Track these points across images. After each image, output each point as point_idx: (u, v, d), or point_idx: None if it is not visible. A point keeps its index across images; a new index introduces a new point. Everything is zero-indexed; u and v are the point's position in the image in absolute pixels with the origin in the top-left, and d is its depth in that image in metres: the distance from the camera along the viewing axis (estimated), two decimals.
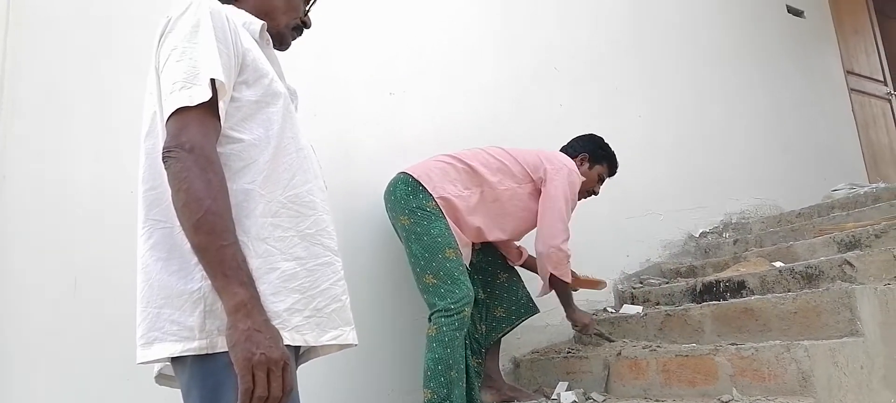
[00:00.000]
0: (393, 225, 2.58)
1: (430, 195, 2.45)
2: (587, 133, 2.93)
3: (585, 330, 2.77)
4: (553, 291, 2.73)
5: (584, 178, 2.75)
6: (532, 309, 2.74)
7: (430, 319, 2.36)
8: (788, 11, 5.41)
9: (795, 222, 3.81)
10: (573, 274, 2.67)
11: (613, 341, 2.75)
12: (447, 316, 2.31)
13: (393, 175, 2.60)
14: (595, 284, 2.86)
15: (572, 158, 2.76)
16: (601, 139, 2.91)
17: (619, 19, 4.13)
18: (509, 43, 3.54)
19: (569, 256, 2.58)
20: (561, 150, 2.85)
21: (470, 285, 2.39)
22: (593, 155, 2.83)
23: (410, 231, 2.44)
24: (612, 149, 2.91)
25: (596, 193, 2.90)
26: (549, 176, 2.60)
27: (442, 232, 2.41)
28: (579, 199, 2.79)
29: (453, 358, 2.28)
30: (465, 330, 2.36)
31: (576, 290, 2.77)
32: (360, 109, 2.89)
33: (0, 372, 1.94)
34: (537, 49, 3.64)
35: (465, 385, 2.35)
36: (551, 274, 2.58)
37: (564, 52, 3.76)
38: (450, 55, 3.27)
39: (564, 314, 2.79)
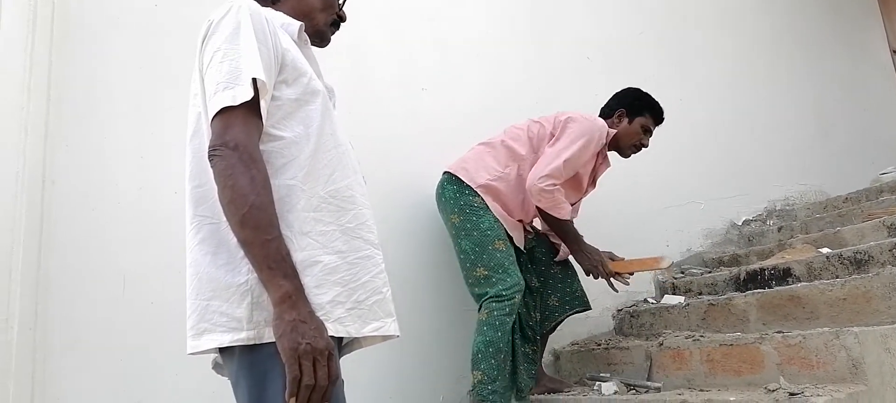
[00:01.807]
0: (444, 223, 2.62)
1: (474, 190, 2.49)
2: (623, 89, 2.83)
3: (595, 271, 2.59)
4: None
5: (614, 131, 2.68)
6: (584, 304, 2.70)
7: (480, 306, 2.39)
8: None
9: (842, 207, 3.71)
10: (625, 260, 2.59)
11: (628, 283, 2.60)
12: (498, 301, 2.34)
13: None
14: (653, 263, 2.62)
15: (609, 117, 2.72)
16: (637, 89, 2.80)
17: (654, 8, 4.07)
18: (540, 33, 3.52)
19: (554, 194, 2.48)
20: (601, 111, 2.80)
21: (520, 274, 2.42)
22: (631, 107, 2.73)
23: (460, 228, 2.49)
24: (651, 96, 2.78)
25: (645, 145, 2.77)
26: (559, 127, 2.58)
27: (491, 225, 2.46)
28: (628, 155, 2.76)
29: (503, 342, 2.31)
30: (514, 316, 2.38)
31: (631, 275, 2.60)
32: (395, 105, 2.91)
33: (52, 372, 2.01)
34: (569, 38, 3.61)
35: (509, 369, 2.37)
36: (549, 215, 2.54)
37: (598, 41, 3.72)
38: (480, 48, 3.27)
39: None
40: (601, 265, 2.57)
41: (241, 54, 1.11)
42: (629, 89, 2.82)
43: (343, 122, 1.32)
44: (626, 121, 2.72)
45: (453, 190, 2.54)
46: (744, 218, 3.98)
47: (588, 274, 2.60)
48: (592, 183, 2.79)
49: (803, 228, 3.51)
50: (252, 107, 1.09)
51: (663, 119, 2.78)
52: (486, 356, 2.30)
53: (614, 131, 2.69)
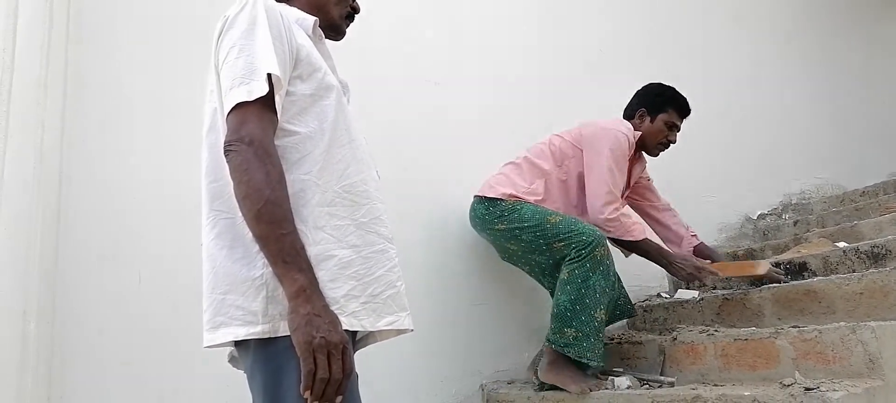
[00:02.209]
0: (492, 244, 2.61)
1: (504, 200, 2.50)
2: (643, 86, 2.77)
3: (693, 278, 2.50)
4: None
5: (639, 133, 2.62)
6: (632, 312, 2.66)
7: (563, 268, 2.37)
8: None
9: (859, 201, 3.67)
10: (723, 263, 2.49)
11: (721, 275, 2.47)
12: (575, 262, 2.30)
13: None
14: (751, 268, 2.47)
15: (631, 118, 2.67)
16: (658, 85, 2.72)
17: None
18: (553, 26, 3.50)
19: (620, 219, 2.47)
20: (624, 112, 2.75)
21: (592, 228, 2.37)
22: (651, 105, 2.67)
23: (507, 230, 2.48)
24: (673, 89, 2.70)
25: (672, 141, 2.71)
26: (585, 143, 2.55)
27: (534, 210, 2.45)
28: (656, 154, 2.71)
29: (591, 299, 2.28)
30: (601, 272, 2.31)
31: (728, 278, 2.52)
32: (407, 100, 2.91)
33: (70, 366, 2.04)
34: (583, 31, 3.59)
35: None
36: (624, 241, 2.51)
37: (612, 33, 3.70)
38: (492, 41, 3.26)
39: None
40: (696, 270, 2.50)
41: (257, 50, 1.12)
42: (649, 86, 2.74)
43: (356, 117, 1.32)
44: (648, 119, 2.67)
45: (484, 208, 2.55)
46: (759, 212, 3.95)
47: (689, 284, 2.58)
48: (628, 186, 2.75)
49: (819, 222, 3.47)
50: (267, 102, 1.10)
51: (689, 110, 2.70)
52: (574, 313, 2.28)
53: (639, 133, 2.63)
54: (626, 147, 2.52)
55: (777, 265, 2.77)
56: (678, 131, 2.70)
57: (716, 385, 2.14)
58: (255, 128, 1.07)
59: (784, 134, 4.24)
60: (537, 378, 2.44)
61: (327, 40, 1.37)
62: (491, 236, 2.60)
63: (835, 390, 1.75)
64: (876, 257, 2.45)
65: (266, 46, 1.12)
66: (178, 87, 2.32)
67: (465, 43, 3.17)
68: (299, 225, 1.08)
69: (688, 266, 2.50)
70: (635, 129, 2.64)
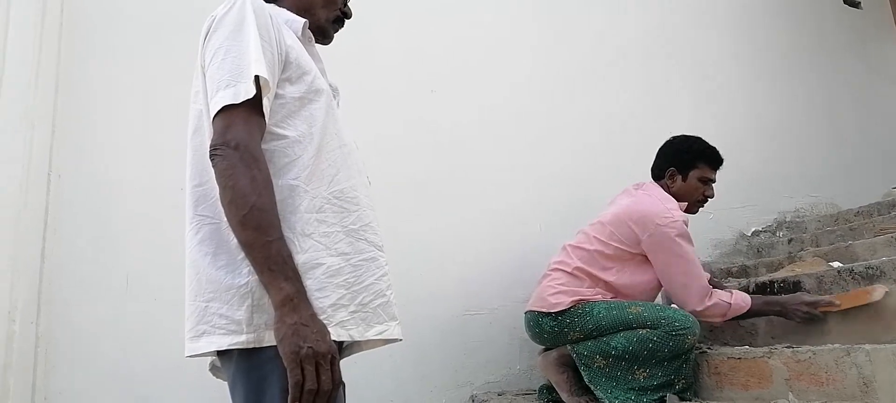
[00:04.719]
0: (570, 352, 2.31)
1: (572, 308, 2.28)
2: (667, 140, 2.59)
3: (813, 314, 2.24)
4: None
5: (681, 201, 2.44)
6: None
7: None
8: (845, 3, 5.20)
9: (854, 221, 3.66)
10: (838, 294, 2.27)
11: (839, 304, 2.20)
12: (656, 333, 2.14)
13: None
14: (866, 295, 2.18)
15: (661, 179, 2.52)
16: (683, 139, 2.56)
17: (667, 11, 4.03)
18: (552, 33, 3.49)
19: (718, 302, 2.27)
20: (652, 173, 2.57)
21: (684, 313, 2.20)
22: (680, 163, 2.50)
23: (589, 343, 2.24)
24: (700, 140, 2.53)
25: (710, 196, 2.54)
26: (649, 247, 2.31)
27: (609, 305, 2.24)
28: (696, 211, 2.54)
29: (644, 359, 2.14)
30: (680, 360, 2.16)
31: (843, 307, 2.22)
32: (402, 107, 2.89)
33: (54, 366, 2.00)
34: (581, 39, 3.58)
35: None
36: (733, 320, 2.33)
37: (611, 43, 3.69)
38: (491, 49, 3.25)
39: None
40: (812, 307, 2.24)
41: (244, 51, 1.09)
42: (675, 142, 2.57)
43: (349, 122, 1.30)
44: (680, 179, 2.50)
45: (551, 325, 2.31)
46: (753, 229, 3.94)
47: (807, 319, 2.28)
48: None
49: (814, 241, 3.46)
50: (254, 105, 1.07)
51: (721, 160, 2.53)
52: (619, 358, 2.16)
53: (682, 202, 2.45)
54: (687, 230, 2.33)
55: (771, 282, 2.76)
56: (714, 183, 2.53)
57: None
58: (242, 131, 1.04)
59: (779, 151, 4.24)
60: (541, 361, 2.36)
61: (318, 45, 1.34)
62: (569, 347, 2.33)
63: None
64: (870, 278, 2.43)
65: (254, 48, 1.09)
66: (171, 85, 2.28)
67: (462, 51, 3.15)
68: (286, 232, 1.05)
69: (801, 308, 2.25)
70: (668, 190, 2.49)
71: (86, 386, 2.04)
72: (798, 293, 2.36)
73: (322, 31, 1.35)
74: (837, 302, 2.18)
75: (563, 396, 2.32)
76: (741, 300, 2.29)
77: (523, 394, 2.71)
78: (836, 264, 2.79)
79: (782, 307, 2.29)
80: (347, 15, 1.38)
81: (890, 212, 3.50)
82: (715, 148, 2.53)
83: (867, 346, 1.88)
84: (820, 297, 2.23)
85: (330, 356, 0.98)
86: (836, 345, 1.96)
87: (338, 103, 1.30)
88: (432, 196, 2.84)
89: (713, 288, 2.36)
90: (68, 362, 2.03)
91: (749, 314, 2.32)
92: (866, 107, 4.93)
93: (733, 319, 2.33)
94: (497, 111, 3.14)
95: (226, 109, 1.06)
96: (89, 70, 2.24)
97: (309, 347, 0.96)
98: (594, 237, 2.40)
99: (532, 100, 3.27)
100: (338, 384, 0.99)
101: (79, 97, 2.21)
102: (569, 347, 2.31)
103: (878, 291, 2.12)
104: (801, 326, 2.27)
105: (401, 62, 2.95)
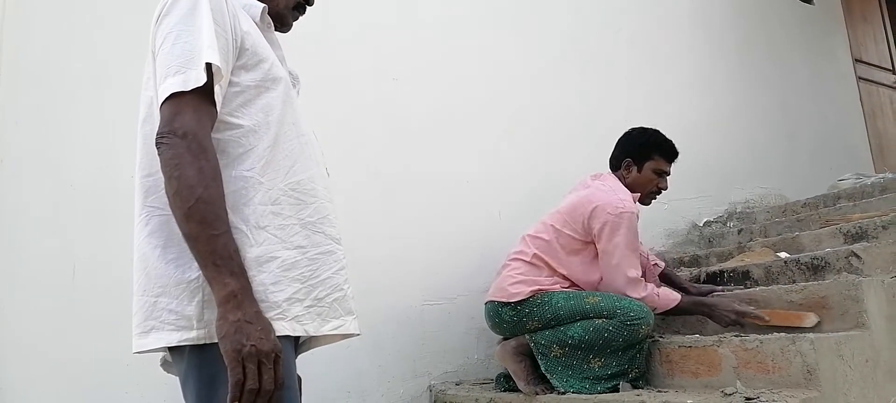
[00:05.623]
0: (528, 342, 2.34)
1: (531, 298, 2.32)
2: (625, 132, 2.62)
3: (738, 323, 2.28)
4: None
5: (635, 192, 2.48)
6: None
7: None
8: None
9: (801, 212, 3.78)
10: (772, 310, 2.28)
11: (768, 320, 2.23)
12: (611, 322, 2.19)
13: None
14: (798, 320, 2.20)
15: (617, 169, 2.55)
16: (640, 131, 2.59)
17: (626, 8, 4.08)
18: (516, 24, 3.49)
19: (651, 296, 2.31)
20: (610, 163, 2.60)
21: (640, 304, 2.24)
22: (636, 154, 2.52)
23: (546, 332, 2.28)
24: (657, 133, 2.56)
25: (664, 188, 2.58)
26: (599, 236, 2.35)
27: (567, 295, 2.29)
28: (649, 202, 2.59)
29: (599, 348, 2.20)
30: (634, 350, 2.22)
31: (771, 323, 2.24)
32: (364, 95, 2.86)
33: None
34: (545, 30, 3.60)
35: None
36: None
37: (575, 35, 3.72)
38: (454, 38, 3.23)
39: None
40: (739, 316, 2.26)
41: (196, 36, 1.04)
42: (632, 134, 2.60)
43: (310, 111, 1.27)
44: (635, 170, 2.52)
45: (510, 314, 2.35)
46: (705, 220, 4.04)
47: (730, 328, 2.31)
48: None
49: (762, 231, 3.57)
50: (205, 93, 1.03)
51: (676, 153, 2.57)
52: (575, 347, 2.21)
53: (635, 193, 2.49)
54: (633, 221, 2.36)
55: (721, 272, 2.83)
56: (668, 176, 2.57)
57: (660, 391, 2.17)
58: (190, 120, 1.00)
59: (732, 143, 4.35)
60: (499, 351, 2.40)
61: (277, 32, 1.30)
62: (526, 337, 2.36)
63: (774, 400, 1.79)
64: (815, 269, 2.52)
65: (206, 33, 1.04)
66: (121, 70, 2.20)
67: (426, 38, 3.13)
68: (240, 225, 1.03)
69: (729, 313, 2.28)
70: (624, 181, 2.52)
71: (33, 382, 1.97)
72: (731, 297, 2.40)
73: (280, 19, 1.30)
74: (766, 318, 2.23)
75: (520, 385, 2.34)
76: (670, 300, 2.34)
77: (480, 383, 2.73)
78: (783, 254, 2.88)
79: (710, 310, 2.33)
80: (309, 2, 1.33)
81: (835, 204, 3.63)
82: (671, 141, 2.57)
83: (811, 336, 1.95)
84: (749, 309, 2.27)
85: (274, 355, 0.95)
86: (782, 335, 2.02)
87: (298, 92, 1.26)
88: (392, 185, 2.82)
89: (658, 278, 2.46)
90: (14, 357, 1.96)
91: (676, 311, 2.38)
92: (815, 101, 5.10)
93: (662, 314, 2.38)
94: (458, 101, 3.13)
95: (174, 97, 1.01)
96: (35, 51, 2.14)
97: (252, 345, 0.93)
98: (551, 226, 2.44)
99: (493, 92, 3.27)
100: (280, 384, 0.96)
101: (24, 82, 2.11)
102: (527, 336, 2.34)
103: (809, 318, 2.17)
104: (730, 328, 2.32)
105: (362, 49, 2.91)
